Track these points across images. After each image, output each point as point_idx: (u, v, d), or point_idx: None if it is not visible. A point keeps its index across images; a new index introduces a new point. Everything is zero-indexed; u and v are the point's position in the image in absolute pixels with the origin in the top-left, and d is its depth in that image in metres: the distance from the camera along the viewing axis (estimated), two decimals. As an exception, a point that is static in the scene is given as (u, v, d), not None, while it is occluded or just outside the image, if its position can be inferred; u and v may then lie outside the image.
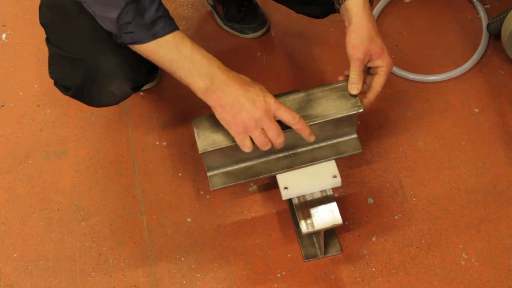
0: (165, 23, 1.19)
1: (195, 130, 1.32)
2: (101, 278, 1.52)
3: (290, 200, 1.54)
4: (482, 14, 1.83)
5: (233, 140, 1.29)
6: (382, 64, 1.30)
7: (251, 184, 1.61)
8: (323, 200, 1.38)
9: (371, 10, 1.30)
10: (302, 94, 1.34)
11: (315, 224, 1.36)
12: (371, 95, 1.33)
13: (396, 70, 1.75)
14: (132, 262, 1.54)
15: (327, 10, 1.52)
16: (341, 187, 1.58)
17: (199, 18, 1.92)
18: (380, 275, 1.47)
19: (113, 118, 1.75)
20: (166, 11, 1.21)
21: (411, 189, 1.58)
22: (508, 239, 1.49)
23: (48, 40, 1.37)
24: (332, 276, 1.48)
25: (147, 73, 1.39)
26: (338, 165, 1.39)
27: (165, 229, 1.57)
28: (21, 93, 1.83)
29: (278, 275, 1.49)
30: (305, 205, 1.38)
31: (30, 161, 1.70)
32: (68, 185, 1.66)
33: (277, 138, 1.25)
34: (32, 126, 1.77)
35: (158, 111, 1.76)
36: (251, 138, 1.25)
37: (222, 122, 1.25)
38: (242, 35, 1.86)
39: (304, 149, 1.39)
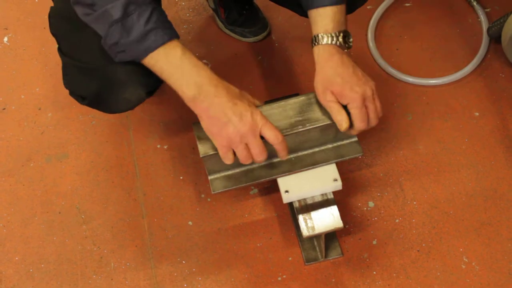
0: (156, 35, 1.18)
1: (196, 134, 1.33)
2: (102, 281, 1.52)
3: (291, 204, 1.55)
4: (483, 18, 1.83)
5: None
6: (347, 101, 1.28)
7: (252, 187, 1.62)
8: (324, 203, 1.38)
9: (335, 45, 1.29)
10: (303, 98, 1.35)
11: (316, 227, 1.36)
12: (354, 131, 1.32)
13: (396, 73, 1.76)
14: (133, 265, 1.54)
15: None
16: (341, 190, 1.58)
17: (200, 22, 1.93)
18: (381, 278, 1.47)
19: (114, 121, 1.76)
20: (160, 22, 1.19)
21: (411, 192, 1.58)
22: (508, 242, 1.49)
23: (60, 50, 1.37)
24: (333, 280, 1.48)
25: (159, 77, 1.38)
26: (338, 169, 1.39)
27: (166, 232, 1.57)
28: (22, 96, 1.83)
29: (279, 279, 1.49)
30: (306, 209, 1.39)
31: (31, 164, 1.71)
32: (70, 188, 1.66)
33: (259, 155, 1.25)
34: (34, 129, 1.77)
35: (159, 114, 1.76)
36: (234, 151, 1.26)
37: (207, 132, 1.26)
38: (243, 39, 1.87)
39: (305, 152, 1.39)
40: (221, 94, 1.21)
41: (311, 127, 1.32)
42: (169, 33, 1.20)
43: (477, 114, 1.69)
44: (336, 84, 1.27)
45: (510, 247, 1.49)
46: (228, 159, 1.27)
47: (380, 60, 1.79)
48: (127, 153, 1.70)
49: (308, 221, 1.37)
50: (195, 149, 1.68)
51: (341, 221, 1.36)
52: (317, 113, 1.33)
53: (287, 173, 1.38)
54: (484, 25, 1.82)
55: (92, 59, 1.30)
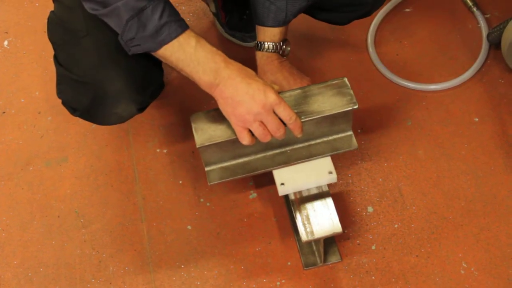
0: (170, 29, 1.21)
1: (193, 125, 1.35)
2: (101, 285, 1.52)
3: (290, 208, 1.55)
4: (482, 23, 1.84)
5: (230, 135, 1.32)
6: None
7: (251, 191, 1.62)
8: (319, 196, 1.40)
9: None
10: (298, 91, 1.37)
11: (315, 232, 1.36)
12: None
13: (396, 79, 1.76)
14: (132, 269, 1.54)
15: (349, 16, 1.55)
16: (341, 195, 1.58)
17: (201, 26, 1.93)
18: (380, 283, 1.47)
19: (114, 125, 1.75)
20: (172, 15, 1.22)
21: (411, 197, 1.58)
22: (507, 248, 1.49)
23: (56, 59, 1.38)
24: (332, 285, 1.48)
25: (152, 94, 1.42)
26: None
27: (165, 237, 1.57)
28: (22, 100, 1.84)
29: (278, 283, 1.49)
30: (302, 201, 1.39)
31: (31, 168, 1.71)
32: (69, 192, 1.66)
33: (276, 131, 1.29)
34: (33, 133, 1.77)
35: (159, 118, 1.76)
36: (251, 132, 1.29)
37: (224, 113, 1.29)
38: (244, 43, 1.87)
39: (300, 145, 1.41)
40: (234, 75, 1.25)
41: (306, 119, 1.33)
42: (181, 25, 1.23)
43: (476, 119, 1.69)
44: None
45: (509, 252, 1.48)
46: (244, 139, 1.29)
47: (380, 65, 1.79)
48: (127, 157, 1.71)
49: (307, 225, 1.37)
50: (194, 153, 1.68)
51: (340, 226, 1.36)
52: (312, 106, 1.35)
53: (283, 165, 1.39)
54: (484, 31, 1.82)
55: (87, 73, 1.32)
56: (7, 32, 1.99)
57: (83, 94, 1.34)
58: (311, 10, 1.58)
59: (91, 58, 1.32)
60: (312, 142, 1.41)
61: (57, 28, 1.38)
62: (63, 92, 1.40)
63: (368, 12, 1.55)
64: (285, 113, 1.27)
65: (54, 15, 1.40)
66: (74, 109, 1.40)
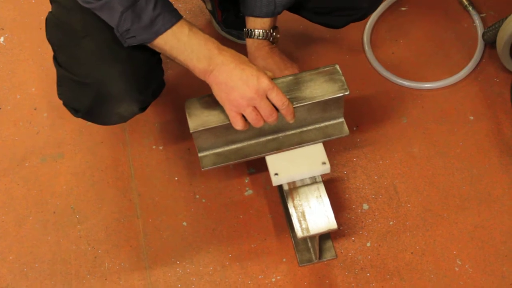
0: (164, 19, 1.23)
1: (187, 111, 1.36)
2: (96, 281, 1.52)
3: (285, 205, 1.55)
4: (478, 23, 1.84)
5: (223, 120, 1.33)
6: None
7: (247, 188, 1.62)
8: (312, 185, 1.40)
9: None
10: (290, 77, 1.39)
11: (310, 228, 1.36)
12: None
13: (392, 77, 1.76)
14: (128, 265, 1.54)
15: (345, 20, 1.56)
16: (336, 192, 1.59)
17: (197, 24, 1.93)
18: (375, 280, 1.47)
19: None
20: (166, 6, 1.23)
21: (406, 195, 1.58)
22: (501, 245, 1.50)
23: (56, 60, 1.38)
24: (327, 281, 1.48)
25: (153, 94, 1.42)
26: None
27: (161, 233, 1.58)
28: (18, 96, 1.83)
29: (273, 280, 1.50)
30: (295, 190, 1.40)
31: (26, 164, 1.71)
32: (65, 188, 1.66)
33: (269, 116, 1.30)
34: (29, 129, 1.77)
35: (155, 115, 1.76)
36: (245, 117, 1.30)
37: (218, 99, 1.31)
38: (240, 41, 1.87)
39: (292, 132, 1.43)
40: (228, 62, 1.27)
41: (298, 105, 1.35)
42: (175, 15, 1.25)
43: (471, 118, 1.69)
44: None
45: (503, 250, 1.49)
46: (237, 124, 1.31)
47: (376, 63, 1.79)
48: (123, 154, 1.71)
49: (303, 222, 1.37)
50: (190, 150, 1.68)
51: (335, 223, 1.37)
52: (304, 92, 1.36)
53: (275, 151, 1.41)
54: (480, 30, 1.83)
55: (88, 73, 1.32)
56: (3, 29, 1.99)
57: (85, 95, 1.34)
58: (307, 14, 1.58)
59: (92, 58, 1.32)
60: (304, 129, 1.43)
61: (56, 29, 1.38)
62: (64, 94, 1.39)
63: (363, 15, 1.56)
64: (278, 99, 1.29)
65: (52, 15, 1.39)
66: (76, 110, 1.39)
